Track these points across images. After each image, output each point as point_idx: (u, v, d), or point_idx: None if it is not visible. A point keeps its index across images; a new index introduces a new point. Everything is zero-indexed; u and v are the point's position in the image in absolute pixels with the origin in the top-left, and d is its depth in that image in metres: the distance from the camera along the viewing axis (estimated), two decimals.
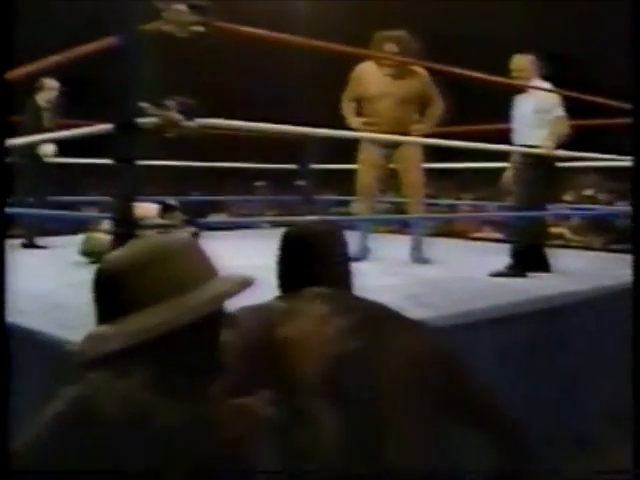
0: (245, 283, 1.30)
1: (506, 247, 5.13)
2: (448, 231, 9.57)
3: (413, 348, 1.59)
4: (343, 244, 1.89)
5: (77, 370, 1.25)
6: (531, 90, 5.00)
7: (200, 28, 2.71)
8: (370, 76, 5.15)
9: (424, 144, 5.06)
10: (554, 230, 8.12)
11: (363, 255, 5.18)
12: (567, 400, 3.95)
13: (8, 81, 2.48)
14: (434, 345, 1.67)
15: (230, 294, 1.28)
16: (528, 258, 4.87)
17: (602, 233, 8.30)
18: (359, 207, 5.42)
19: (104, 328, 1.26)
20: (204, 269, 1.31)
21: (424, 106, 5.22)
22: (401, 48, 4.97)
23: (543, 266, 4.96)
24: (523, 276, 4.71)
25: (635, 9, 2.27)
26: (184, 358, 1.26)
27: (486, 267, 4.83)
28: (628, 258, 6.20)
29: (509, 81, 5.00)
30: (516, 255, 4.86)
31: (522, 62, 5.04)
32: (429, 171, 5.62)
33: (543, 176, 4.92)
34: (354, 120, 5.19)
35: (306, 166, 7.58)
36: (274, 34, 3.22)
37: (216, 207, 10.51)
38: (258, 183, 11.65)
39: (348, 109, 5.24)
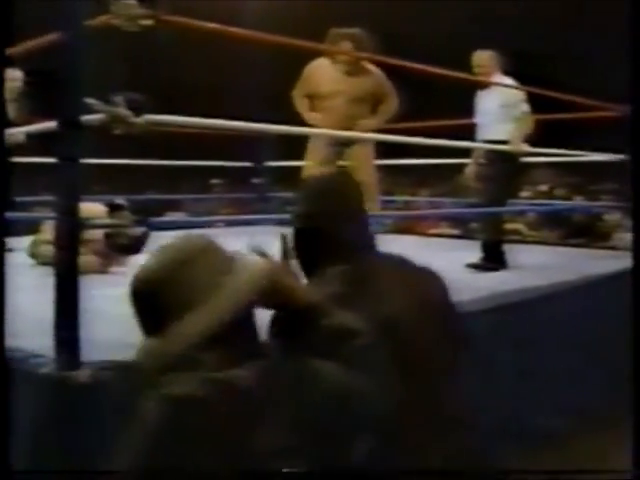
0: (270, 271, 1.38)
1: (464, 243, 5.11)
2: (405, 228, 9.55)
3: (440, 287, 1.83)
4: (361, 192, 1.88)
5: (150, 378, 1.29)
6: (494, 85, 5.03)
7: (149, 22, 2.62)
8: (323, 73, 5.05)
9: (383, 141, 4.99)
10: (510, 226, 8.14)
11: None
12: (526, 395, 3.94)
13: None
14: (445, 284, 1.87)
15: (255, 288, 1.35)
16: (500, 252, 4.95)
17: (557, 228, 8.34)
18: None
19: (156, 341, 1.32)
20: (227, 262, 1.38)
21: (377, 105, 5.13)
22: (356, 46, 4.87)
23: (500, 262, 4.97)
24: (496, 269, 4.80)
25: (635, 9, 2.24)
26: (239, 333, 1.34)
27: (445, 263, 4.80)
28: (584, 252, 6.28)
29: (472, 77, 5.03)
30: (489, 249, 4.93)
31: (483, 58, 5.10)
32: (385, 168, 5.57)
33: (508, 172, 4.97)
34: (310, 116, 5.10)
35: (262, 164, 7.50)
36: (225, 28, 3.13)
37: (171, 206, 10.36)
38: (214, 181, 11.52)
39: (302, 106, 5.14)
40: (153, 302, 1.32)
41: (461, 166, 5.50)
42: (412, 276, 1.78)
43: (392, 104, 5.12)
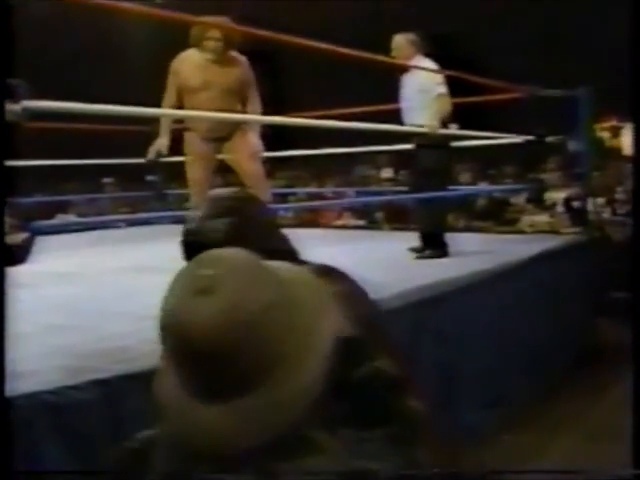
0: None
1: (374, 234, 5.00)
2: (308, 220, 9.29)
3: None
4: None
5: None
6: (415, 69, 4.97)
7: None
8: (192, 65, 4.74)
9: (291, 125, 4.75)
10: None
11: None
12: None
13: None
14: None
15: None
16: (441, 239, 5.00)
17: (462, 214, 8.23)
18: (194, 202, 5.04)
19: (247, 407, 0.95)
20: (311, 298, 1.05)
21: (244, 96, 4.84)
22: (224, 34, 4.61)
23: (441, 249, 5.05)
24: (445, 255, 4.87)
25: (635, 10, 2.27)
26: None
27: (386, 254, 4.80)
28: (499, 237, 6.25)
29: (387, 59, 4.92)
30: (431, 238, 4.97)
31: (401, 41, 5.01)
32: (284, 160, 5.38)
33: (438, 157, 4.94)
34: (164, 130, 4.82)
35: (156, 160, 7.11)
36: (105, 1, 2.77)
37: (61, 208, 9.81)
38: (106, 180, 10.99)
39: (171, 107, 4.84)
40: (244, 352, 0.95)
41: (361, 156, 5.41)
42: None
43: (257, 104, 4.85)
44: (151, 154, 4.86)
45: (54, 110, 2.63)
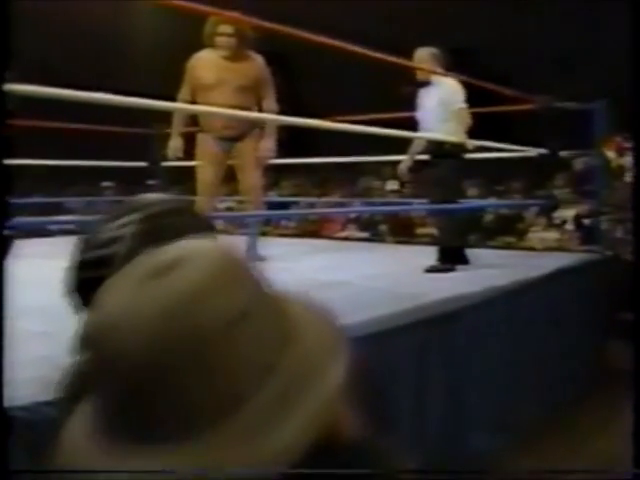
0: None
1: (370, 246, 4.92)
2: (311, 231, 9.14)
3: None
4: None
5: None
6: (434, 83, 5.00)
7: None
8: (206, 63, 4.78)
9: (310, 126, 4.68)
10: (423, 230, 7.89)
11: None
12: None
13: None
14: None
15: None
16: (455, 253, 4.93)
17: (474, 230, 8.06)
18: (199, 205, 4.91)
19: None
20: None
21: (260, 95, 4.87)
22: (236, 30, 4.63)
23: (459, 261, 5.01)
24: (453, 270, 4.72)
25: (635, 12, 2.30)
26: None
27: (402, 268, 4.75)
28: (501, 253, 6.11)
29: (411, 64, 5.01)
30: (444, 251, 4.88)
31: (423, 55, 5.04)
32: (289, 169, 5.32)
33: (454, 169, 4.94)
34: (175, 137, 4.96)
35: (156, 163, 6.96)
36: None
37: (58, 210, 9.64)
38: (105, 184, 10.84)
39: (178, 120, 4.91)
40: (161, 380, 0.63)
41: (366, 167, 5.35)
42: None
43: (273, 104, 4.87)
44: (171, 153, 4.96)
45: (40, 95, 2.42)
